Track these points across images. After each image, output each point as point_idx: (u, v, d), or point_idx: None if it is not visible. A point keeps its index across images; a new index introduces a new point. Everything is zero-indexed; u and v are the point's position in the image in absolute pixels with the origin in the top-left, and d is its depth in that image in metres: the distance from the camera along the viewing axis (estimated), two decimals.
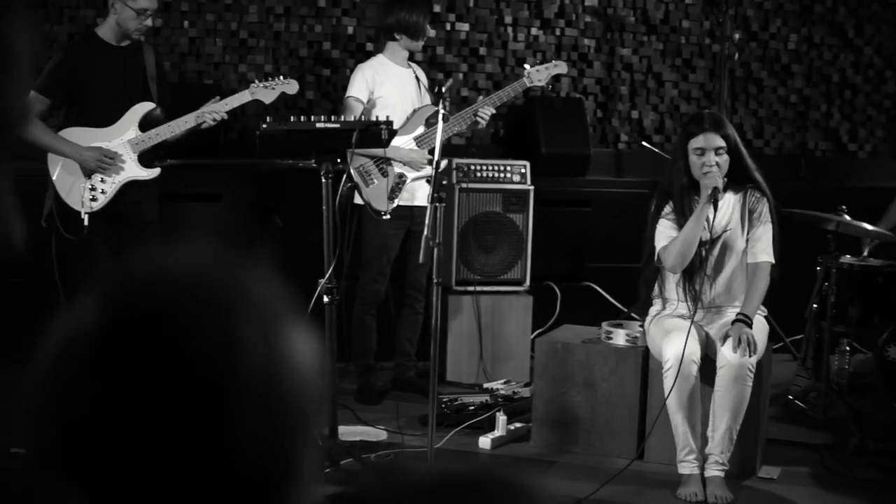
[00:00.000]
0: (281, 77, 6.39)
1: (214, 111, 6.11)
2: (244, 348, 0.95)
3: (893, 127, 9.92)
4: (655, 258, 5.64)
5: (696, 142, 5.50)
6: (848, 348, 7.02)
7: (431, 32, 6.91)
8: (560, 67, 7.04)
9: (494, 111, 6.79)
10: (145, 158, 6.14)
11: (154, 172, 6.14)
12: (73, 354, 0.94)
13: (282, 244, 7.59)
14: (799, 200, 6.40)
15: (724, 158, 5.49)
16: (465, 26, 8.92)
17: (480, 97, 6.91)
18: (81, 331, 0.95)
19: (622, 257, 8.22)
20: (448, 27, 8.81)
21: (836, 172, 9.64)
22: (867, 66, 9.80)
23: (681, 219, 5.54)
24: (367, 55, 8.46)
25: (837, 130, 9.79)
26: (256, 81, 6.36)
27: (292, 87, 6.38)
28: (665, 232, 5.58)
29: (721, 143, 5.48)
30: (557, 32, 9.13)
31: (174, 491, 0.91)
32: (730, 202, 5.62)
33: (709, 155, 5.47)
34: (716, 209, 5.42)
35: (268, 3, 8.46)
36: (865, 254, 7.03)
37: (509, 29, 9.03)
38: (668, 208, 5.61)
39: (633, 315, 7.49)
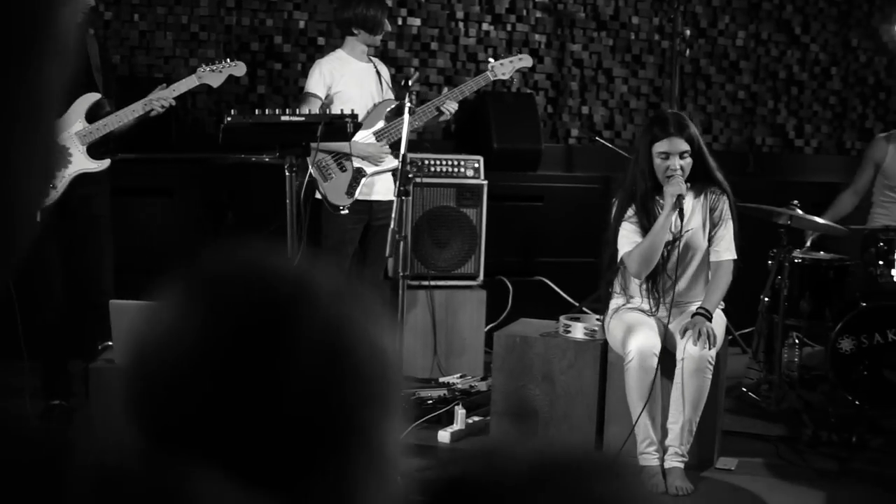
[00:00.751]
0: (227, 59, 6.32)
1: (162, 97, 6.01)
2: (345, 330, 0.97)
3: (838, 123, 10.05)
4: (619, 262, 5.66)
5: (661, 146, 5.50)
6: (797, 341, 7.10)
7: (388, 27, 6.90)
8: (525, 61, 7.03)
9: (457, 106, 6.77)
10: (94, 150, 5.99)
11: (104, 164, 5.98)
12: (181, 344, 0.95)
13: (235, 239, 7.57)
14: (747, 195, 6.45)
15: (688, 161, 5.50)
16: (417, 21, 8.93)
17: (445, 90, 6.90)
18: (187, 323, 0.96)
19: (573, 252, 8.30)
20: (399, 22, 8.81)
21: (783, 167, 9.75)
22: (813, 63, 9.93)
23: (644, 221, 5.56)
24: (319, 49, 8.48)
25: (784, 126, 9.91)
26: (203, 65, 6.26)
27: (240, 68, 6.31)
28: (628, 237, 5.59)
29: (685, 146, 5.49)
30: (508, 28, 9.16)
31: (297, 457, 0.93)
32: (692, 203, 5.64)
33: (673, 159, 5.47)
34: (682, 217, 5.45)
35: None
36: (808, 245, 7.13)
37: (461, 24, 9.05)
38: (630, 211, 5.62)
39: (584, 309, 7.54)
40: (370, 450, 0.97)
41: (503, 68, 6.89)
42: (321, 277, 1.02)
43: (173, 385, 0.94)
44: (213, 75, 6.21)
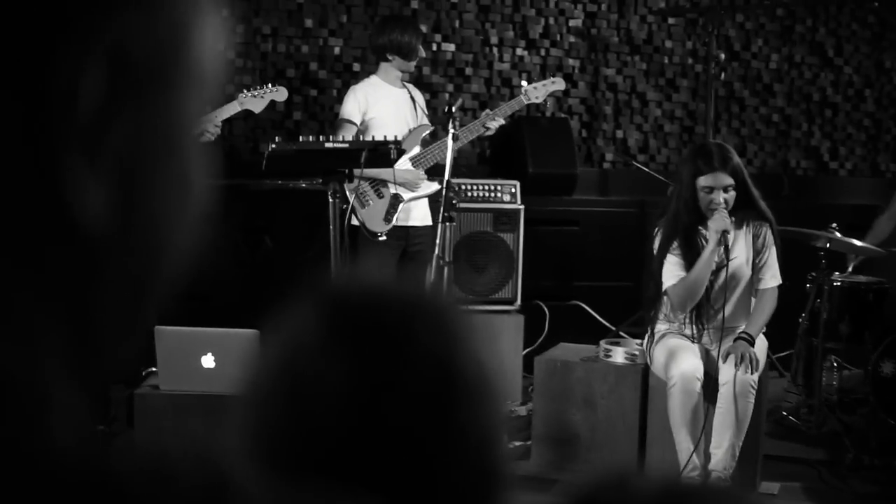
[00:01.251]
0: (269, 85, 6.36)
1: (206, 121, 6.04)
2: (457, 348, 0.98)
3: (873, 145, 10.03)
4: (663, 295, 5.65)
5: (705, 180, 5.48)
6: (836, 364, 7.08)
7: (423, 53, 6.93)
8: (558, 84, 7.06)
9: (504, 121, 6.79)
10: None
11: None
12: (314, 364, 0.96)
13: (273, 264, 7.60)
14: (783, 218, 6.45)
15: (732, 195, 5.49)
16: (452, 47, 8.96)
17: (486, 111, 6.90)
18: (312, 343, 0.97)
19: (609, 276, 8.30)
20: (434, 48, 8.84)
21: (817, 190, 9.73)
22: (847, 85, 9.92)
23: (688, 254, 5.55)
24: (354, 75, 8.51)
25: (818, 149, 9.90)
26: (245, 91, 6.31)
27: (281, 94, 6.35)
28: (672, 270, 5.58)
29: (730, 181, 5.48)
30: (542, 53, 9.19)
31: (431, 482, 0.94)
32: (735, 233, 5.63)
33: (717, 193, 5.47)
34: (728, 252, 5.45)
35: (255, 23, 8.47)
36: (850, 270, 7.11)
37: (495, 49, 9.08)
38: (674, 244, 5.62)
39: (621, 333, 7.54)
40: (485, 465, 0.99)
41: (536, 91, 6.92)
42: (433, 297, 1.03)
43: (311, 415, 0.95)
44: (254, 101, 6.26)
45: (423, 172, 6.68)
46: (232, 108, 6.22)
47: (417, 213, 6.72)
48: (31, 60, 0.63)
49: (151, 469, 0.67)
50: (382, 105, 6.72)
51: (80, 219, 0.66)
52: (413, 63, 6.87)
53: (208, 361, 5.28)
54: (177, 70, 0.71)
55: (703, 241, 5.52)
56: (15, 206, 0.64)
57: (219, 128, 6.07)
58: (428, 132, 6.76)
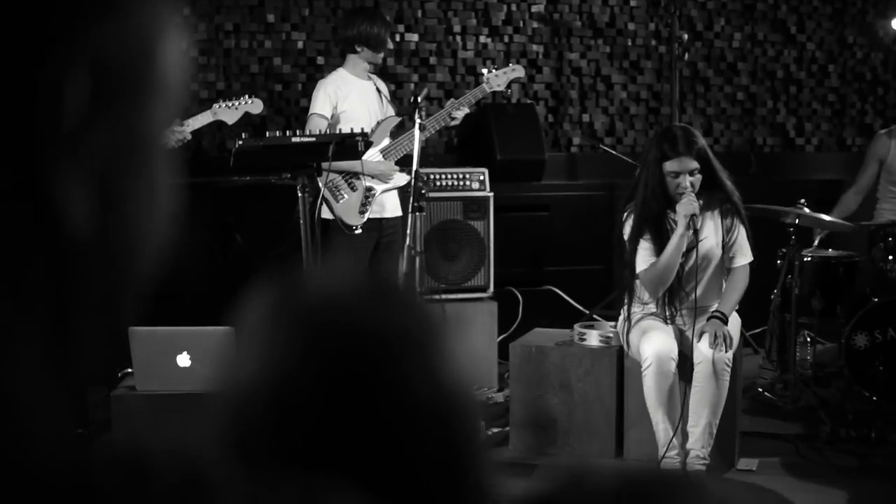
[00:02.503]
0: (246, 97, 6.36)
1: (177, 131, 6.03)
2: (435, 362, 0.98)
3: (838, 120, 10.08)
4: (636, 279, 5.67)
5: (671, 165, 5.50)
6: (809, 339, 7.12)
7: (391, 45, 6.93)
8: (518, 71, 7.10)
9: (469, 110, 6.81)
10: None
11: None
12: (291, 372, 0.96)
13: (244, 261, 7.58)
14: (751, 196, 6.47)
15: (698, 178, 5.51)
16: (415, 36, 8.95)
17: (451, 101, 6.90)
18: (288, 345, 0.97)
19: (581, 260, 8.32)
20: (397, 38, 8.82)
21: (785, 167, 9.78)
22: (810, 62, 9.97)
23: (658, 239, 5.56)
24: (318, 69, 8.50)
25: (784, 126, 9.94)
26: (220, 101, 6.30)
27: (256, 105, 6.35)
28: (644, 256, 5.59)
29: (695, 164, 5.49)
30: (506, 39, 9.19)
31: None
32: (704, 215, 5.65)
33: (683, 178, 5.49)
34: (697, 234, 5.47)
35: (217, 20, 8.44)
36: (816, 244, 7.14)
37: (458, 37, 9.07)
38: (645, 229, 5.63)
39: (595, 316, 7.56)
40: (475, 476, 0.99)
41: (497, 80, 6.94)
42: (406, 295, 1.03)
43: (285, 413, 0.95)
44: (228, 111, 6.26)
45: (394, 164, 6.68)
46: (204, 119, 6.21)
47: (389, 204, 6.74)
48: (19, 69, 0.64)
49: (129, 467, 0.67)
50: (352, 98, 6.72)
51: (63, 223, 0.66)
52: (381, 55, 6.87)
53: (184, 360, 5.27)
54: (147, 79, 0.73)
55: (672, 226, 5.53)
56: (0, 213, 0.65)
57: (187, 137, 6.06)
58: (395, 123, 6.76)
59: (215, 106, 6.27)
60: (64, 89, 0.65)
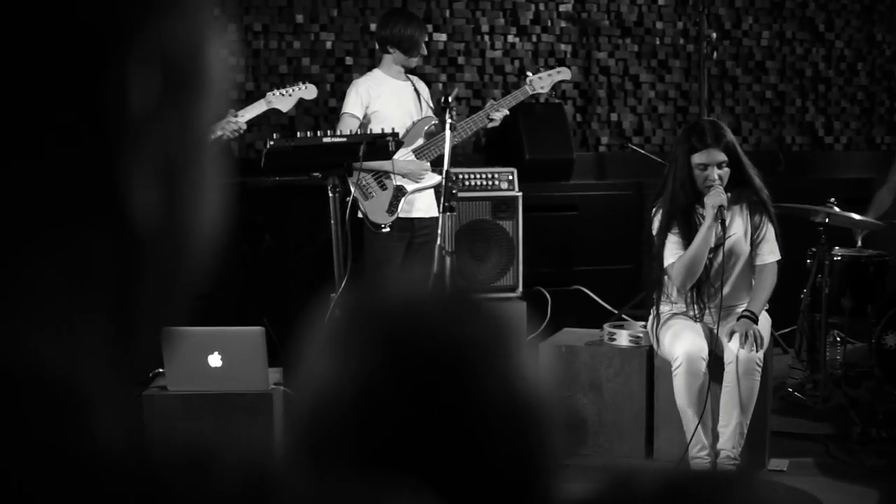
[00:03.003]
0: (301, 83, 6.31)
1: (233, 122, 5.97)
2: (511, 369, 1.00)
3: (867, 118, 10.04)
4: (664, 274, 5.67)
5: (699, 157, 5.50)
6: (839, 339, 7.09)
7: (425, 51, 6.91)
8: (564, 73, 7.04)
9: (508, 112, 6.76)
10: None
11: None
12: (376, 387, 0.98)
13: (274, 262, 7.61)
14: (780, 195, 6.47)
15: (726, 171, 5.50)
16: (443, 36, 8.96)
17: (490, 102, 6.88)
18: (374, 367, 0.99)
19: (609, 259, 8.31)
20: (426, 38, 8.83)
21: (814, 165, 9.75)
22: (839, 60, 9.93)
23: (686, 233, 5.56)
24: (347, 69, 8.52)
25: (813, 124, 9.91)
26: (274, 90, 6.25)
27: (310, 91, 6.30)
28: (672, 249, 5.59)
29: (723, 157, 5.49)
30: (534, 39, 9.19)
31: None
32: (732, 210, 5.65)
33: (711, 170, 5.48)
34: (724, 227, 5.46)
35: (246, 21, 8.47)
36: (859, 244, 7.10)
37: (486, 37, 9.08)
38: (674, 223, 5.63)
39: (624, 316, 7.55)
40: (545, 483, 1.00)
41: (542, 82, 6.89)
42: (483, 312, 1.05)
43: (365, 419, 0.97)
44: (283, 99, 6.21)
45: (427, 163, 6.67)
46: (259, 108, 6.15)
47: (422, 205, 6.72)
48: (89, 62, 0.65)
49: (193, 466, 0.68)
50: (385, 98, 6.71)
51: (129, 215, 0.68)
52: (414, 60, 6.83)
53: (215, 360, 5.29)
54: (203, 76, 0.74)
55: (701, 219, 5.53)
56: (70, 201, 0.66)
57: (243, 128, 6.00)
58: (432, 124, 6.73)
59: (269, 95, 6.21)
60: (132, 79, 0.66)
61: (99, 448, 0.64)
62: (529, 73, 6.99)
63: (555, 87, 7.06)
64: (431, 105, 6.89)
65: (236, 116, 6.03)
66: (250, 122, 6.30)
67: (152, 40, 0.68)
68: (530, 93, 6.88)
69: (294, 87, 6.25)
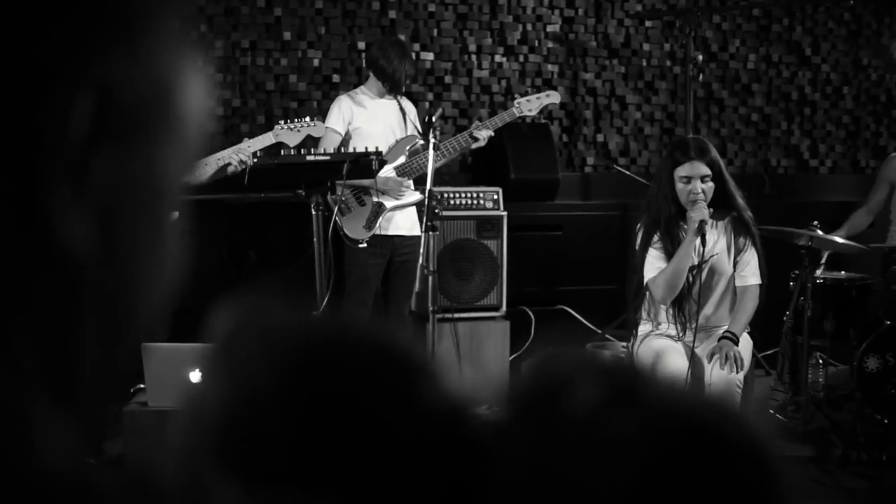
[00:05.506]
0: (308, 119, 6.29)
1: (240, 151, 5.92)
2: (413, 382, 0.99)
3: (852, 142, 10.08)
4: (645, 288, 5.68)
5: (682, 170, 5.53)
6: (821, 361, 7.10)
7: (402, 88, 6.81)
8: (553, 97, 7.02)
9: (493, 133, 6.75)
10: None
11: None
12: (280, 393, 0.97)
13: (258, 278, 7.59)
14: (764, 217, 6.49)
15: (710, 185, 5.53)
16: (430, 55, 8.98)
17: (476, 122, 6.87)
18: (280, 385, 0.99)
19: (594, 280, 8.32)
20: (413, 57, 8.85)
21: (798, 188, 9.78)
22: (825, 83, 9.97)
23: (668, 247, 5.58)
24: (334, 87, 8.53)
25: (798, 147, 9.94)
26: (281, 123, 6.20)
27: (318, 129, 6.26)
28: (653, 263, 5.62)
29: (707, 170, 5.52)
30: (521, 59, 9.21)
31: None
32: (715, 229, 5.67)
33: (695, 183, 5.50)
34: (704, 242, 5.47)
35: (233, 37, 8.48)
36: (823, 263, 7.12)
37: (473, 57, 9.10)
38: (655, 237, 5.65)
39: (607, 336, 7.56)
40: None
41: (530, 104, 6.89)
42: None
43: (253, 433, 0.96)
44: (290, 134, 6.16)
45: (408, 181, 6.67)
46: (266, 140, 6.09)
47: (403, 223, 6.71)
48: (25, 95, 0.65)
49: (135, 487, 0.68)
50: (366, 115, 6.71)
51: (64, 247, 0.67)
52: (387, 90, 6.75)
53: (196, 376, 5.28)
54: (163, 119, 0.72)
55: (683, 235, 5.55)
56: (1, 234, 0.66)
57: (249, 158, 5.92)
58: (417, 143, 6.73)
59: (276, 128, 6.15)
60: (68, 115, 0.65)
61: (41, 469, 0.65)
62: (518, 96, 6.99)
63: (542, 109, 7.04)
64: (418, 125, 6.87)
65: (242, 145, 5.97)
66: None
67: (94, 71, 0.67)
68: (517, 115, 6.87)
69: (302, 122, 6.20)
